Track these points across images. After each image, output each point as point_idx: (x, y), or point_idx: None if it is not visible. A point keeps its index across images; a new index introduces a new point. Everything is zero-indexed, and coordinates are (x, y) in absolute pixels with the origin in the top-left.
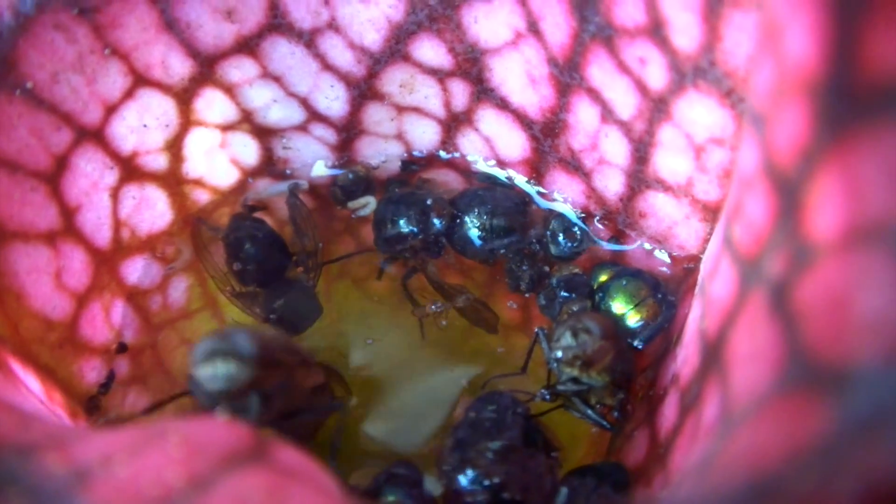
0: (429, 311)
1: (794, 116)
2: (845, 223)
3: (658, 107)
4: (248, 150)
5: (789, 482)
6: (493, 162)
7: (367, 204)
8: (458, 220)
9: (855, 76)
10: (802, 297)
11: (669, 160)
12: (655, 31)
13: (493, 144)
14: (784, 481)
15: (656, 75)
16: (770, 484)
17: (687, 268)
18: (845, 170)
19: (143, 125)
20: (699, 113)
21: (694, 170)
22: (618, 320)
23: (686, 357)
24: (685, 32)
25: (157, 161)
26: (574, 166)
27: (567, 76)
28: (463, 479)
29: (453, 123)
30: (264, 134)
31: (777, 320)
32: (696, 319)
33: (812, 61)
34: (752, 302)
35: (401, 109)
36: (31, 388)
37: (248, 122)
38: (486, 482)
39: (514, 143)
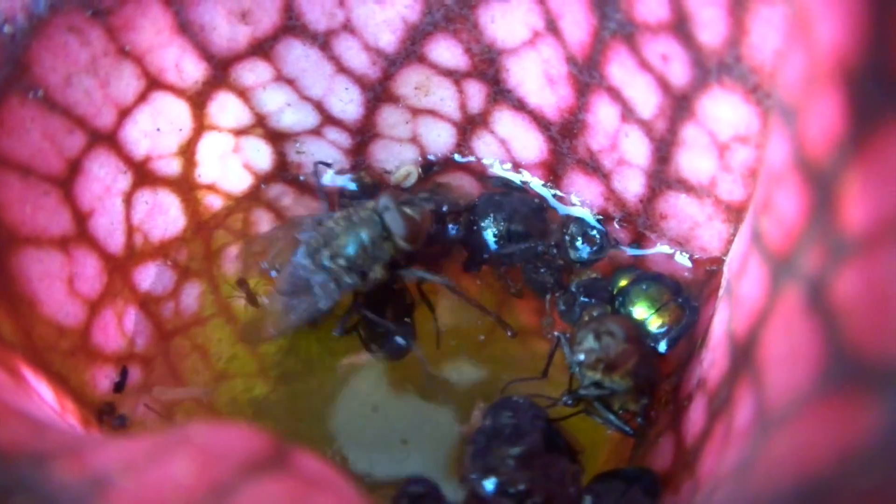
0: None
1: (828, 106)
2: (886, 214)
3: (680, 104)
4: (261, 154)
5: (842, 484)
6: (509, 165)
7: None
8: (474, 227)
9: (892, 61)
10: (841, 292)
11: (692, 159)
12: (679, 26)
13: (510, 147)
14: (836, 483)
15: (679, 72)
16: (821, 486)
17: (709, 270)
18: (883, 159)
19: (156, 129)
20: (723, 110)
21: (717, 169)
22: (639, 325)
23: (713, 360)
24: (710, 27)
25: (171, 166)
26: (593, 167)
27: (586, 75)
28: (488, 487)
29: (469, 126)
30: (277, 138)
31: (815, 318)
32: (724, 321)
33: (846, 47)
34: (785, 300)
35: (416, 112)
36: (44, 396)
37: (261, 126)
38: (511, 490)
39: (530, 144)
